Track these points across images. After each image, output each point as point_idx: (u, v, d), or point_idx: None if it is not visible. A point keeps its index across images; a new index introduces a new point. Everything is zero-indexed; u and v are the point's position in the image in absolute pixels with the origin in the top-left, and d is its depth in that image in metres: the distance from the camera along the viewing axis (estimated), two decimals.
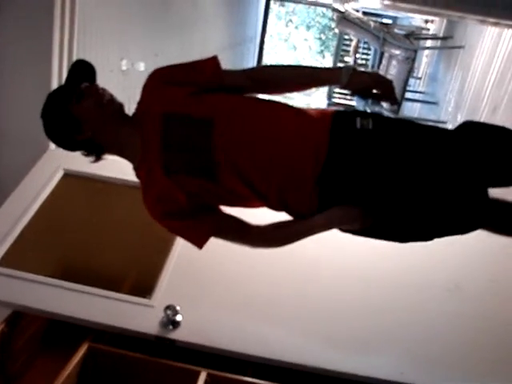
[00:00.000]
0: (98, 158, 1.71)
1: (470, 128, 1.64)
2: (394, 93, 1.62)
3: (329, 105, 11.01)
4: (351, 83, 1.58)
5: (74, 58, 3.29)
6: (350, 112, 1.62)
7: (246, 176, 1.56)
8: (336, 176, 1.52)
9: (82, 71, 1.68)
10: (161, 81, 1.67)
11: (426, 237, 1.64)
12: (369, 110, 8.21)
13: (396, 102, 1.61)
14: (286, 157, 1.53)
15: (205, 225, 1.67)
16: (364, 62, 10.23)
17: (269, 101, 1.65)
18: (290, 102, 1.64)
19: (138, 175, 1.68)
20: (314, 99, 13.29)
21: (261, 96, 1.73)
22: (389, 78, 1.64)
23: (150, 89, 1.69)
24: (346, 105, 10.89)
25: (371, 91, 1.61)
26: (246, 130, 1.56)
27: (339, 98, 11.52)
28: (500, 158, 1.58)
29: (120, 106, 1.68)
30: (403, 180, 1.51)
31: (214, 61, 1.67)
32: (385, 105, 7.72)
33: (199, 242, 1.67)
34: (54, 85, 3.20)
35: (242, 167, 1.55)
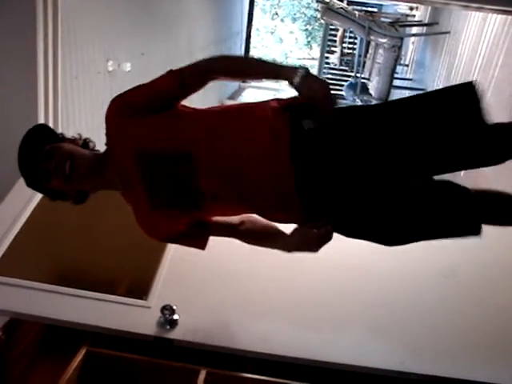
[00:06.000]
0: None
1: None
2: (327, 110, 1.55)
3: None
4: (301, 85, 1.53)
5: (60, 63, 3.27)
6: (296, 116, 1.56)
7: (229, 199, 1.59)
8: (308, 180, 1.53)
9: (41, 135, 1.65)
10: (122, 114, 1.60)
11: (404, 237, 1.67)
12: (358, 100, 8.22)
13: (329, 113, 1.54)
14: (267, 176, 1.53)
15: (200, 233, 1.77)
16: (351, 51, 10.20)
17: (237, 115, 1.61)
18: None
19: (126, 200, 1.71)
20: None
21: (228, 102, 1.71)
22: (332, 96, 1.56)
23: (113, 122, 1.64)
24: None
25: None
26: (224, 156, 1.54)
27: None
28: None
29: (88, 160, 1.64)
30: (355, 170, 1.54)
31: (169, 76, 1.61)
32: (373, 94, 7.74)
33: (201, 247, 1.80)
34: (41, 90, 3.17)
35: (224, 192, 1.57)
